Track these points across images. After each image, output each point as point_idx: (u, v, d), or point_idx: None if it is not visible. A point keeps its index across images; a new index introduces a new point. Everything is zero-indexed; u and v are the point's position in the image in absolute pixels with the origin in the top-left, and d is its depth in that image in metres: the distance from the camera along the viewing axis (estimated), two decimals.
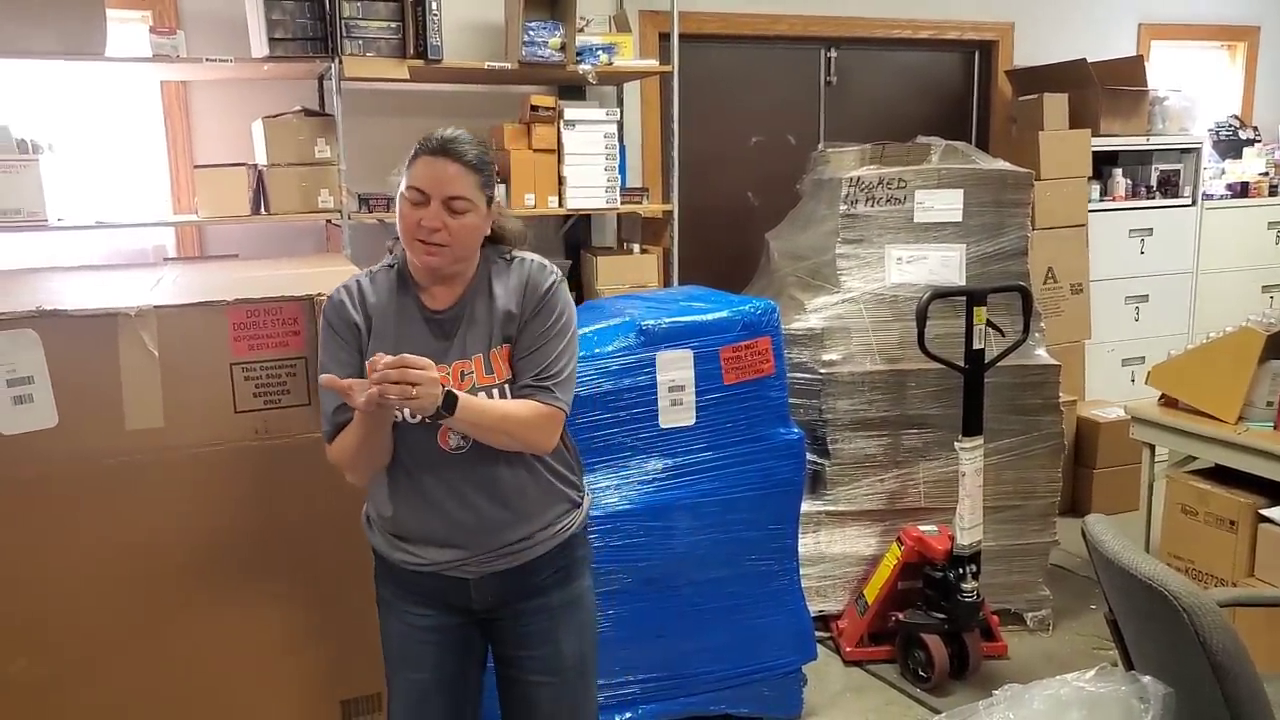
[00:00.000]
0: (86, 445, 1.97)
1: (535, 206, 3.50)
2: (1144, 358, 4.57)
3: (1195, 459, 3.07)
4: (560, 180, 3.52)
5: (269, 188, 3.21)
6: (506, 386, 1.71)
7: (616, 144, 3.59)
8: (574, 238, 4.01)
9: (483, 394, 1.68)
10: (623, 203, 3.63)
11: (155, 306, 2.01)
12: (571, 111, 3.51)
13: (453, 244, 1.65)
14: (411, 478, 1.73)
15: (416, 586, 1.77)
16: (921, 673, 2.90)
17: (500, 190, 3.45)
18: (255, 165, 3.27)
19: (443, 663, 1.79)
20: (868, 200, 3.14)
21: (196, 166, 3.27)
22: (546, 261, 1.78)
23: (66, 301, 2.01)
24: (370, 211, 3.33)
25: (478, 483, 1.71)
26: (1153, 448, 3.21)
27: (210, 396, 2.06)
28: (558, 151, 3.50)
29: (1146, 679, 1.53)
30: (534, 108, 3.45)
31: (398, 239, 1.75)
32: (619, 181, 3.61)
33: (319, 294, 2.12)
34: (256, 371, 2.09)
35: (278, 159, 3.19)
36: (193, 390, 2.04)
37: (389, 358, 1.54)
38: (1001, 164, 3.29)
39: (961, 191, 3.15)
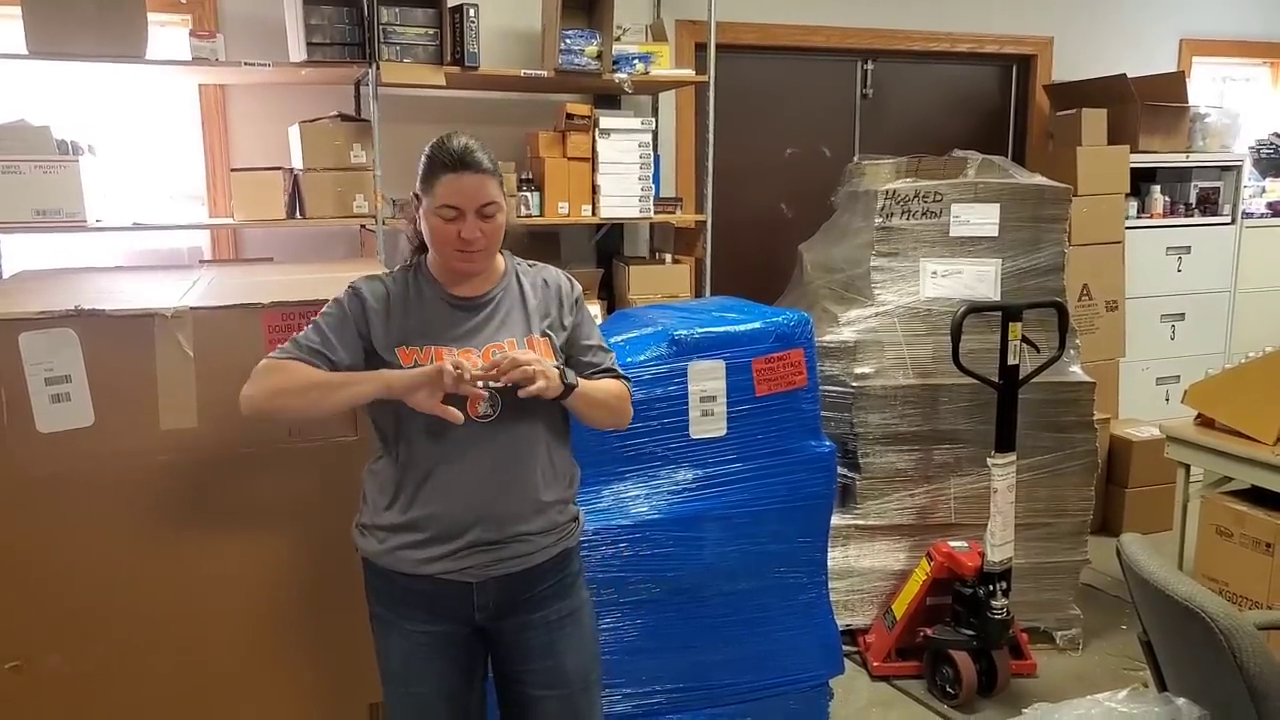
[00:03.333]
0: (122, 444, 2.00)
1: (569, 215, 3.51)
2: (1179, 377, 4.50)
3: (1231, 480, 3.02)
4: (594, 189, 3.53)
5: (304, 192, 3.25)
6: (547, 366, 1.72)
7: (651, 153, 3.59)
8: (606, 247, 4.02)
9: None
10: (656, 212, 3.63)
11: (191, 308, 2.04)
12: (607, 120, 3.52)
13: (489, 246, 1.73)
14: (430, 458, 1.71)
15: (416, 596, 1.75)
16: (949, 689, 2.86)
17: (534, 198, 3.48)
18: (291, 170, 3.31)
19: (445, 675, 1.79)
20: (903, 213, 3.12)
21: (233, 170, 3.31)
22: (551, 268, 1.92)
23: (104, 302, 2.04)
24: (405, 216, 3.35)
25: (499, 450, 1.72)
26: (1188, 468, 3.16)
27: None
28: (592, 160, 3.51)
29: (1181, 701, 1.50)
30: (569, 116, 3.47)
31: (418, 249, 1.82)
32: (653, 191, 3.61)
33: None
34: None
35: (314, 164, 3.23)
36: (226, 391, 2.04)
37: (484, 361, 1.66)
38: (1039, 179, 3.26)
39: (998, 206, 3.12)
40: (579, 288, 1.91)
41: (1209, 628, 1.49)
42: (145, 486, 2.03)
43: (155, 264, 3.27)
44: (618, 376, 1.88)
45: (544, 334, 1.79)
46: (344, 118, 3.34)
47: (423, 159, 1.74)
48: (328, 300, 2.11)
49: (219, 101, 3.46)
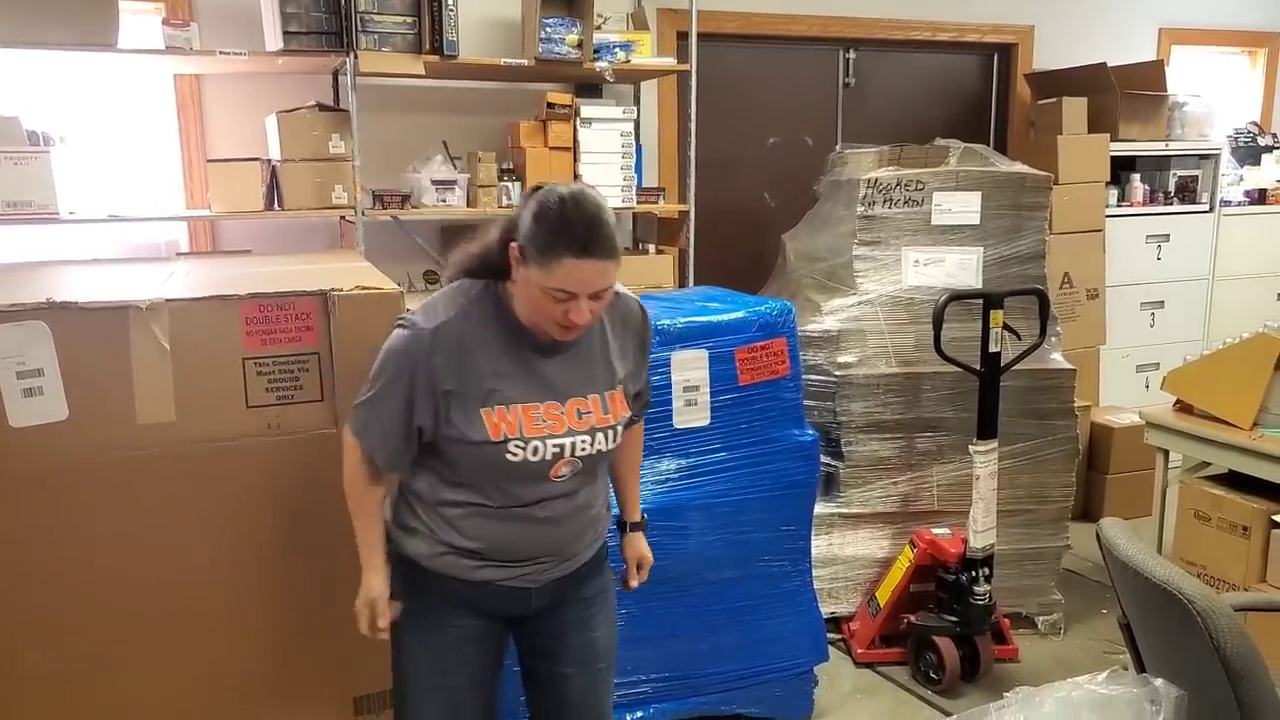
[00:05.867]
0: (97, 438, 1.97)
1: None
2: (1158, 364, 4.54)
3: (1209, 465, 3.05)
4: (576, 178, 3.51)
5: (282, 183, 3.22)
6: (620, 427, 1.72)
7: (633, 143, 3.58)
8: None
9: (600, 435, 1.69)
10: (639, 202, 3.62)
11: (167, 300, 2.00)
12: (588, 109, 3.51)
13: (594, 319, 1.60)
14: (506, 510, 1.68)
15: (464, 597, 1.74)
16: (933, 675, 2.88)
17: (515, 188, 3.46)
18: (269, 160, 3.28)
19: (479, 665, 1.78)
20: (885, 202, 3.12)
21: (209, 160, 3.27)
22: (629, 292, 1.81)
23: (77, 293, 2.01)
24: (384, 208, 3.33)
25: (571, 501, 1.73)
26: (1166, 453, 3.18)
27: (222, 391, 2.05)
28: (574, 150, 3.49)
29: (1158, 682, 1.51)
30: (550, 105, 3.45)
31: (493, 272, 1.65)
32: (635, 181, 3.60)
33: (332, 289, 2.12)
34: (269, 366, 2.09)
35: (292, 154, 3.20)
36: (204, 384, 2.04)
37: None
38: (1020, 167, 3.27)
39: (979, 194, 3.13)
40: (650, 325, 1.83)
41: (1187, 609, 1.50)
42: (123, 481, 2.00)
43: (131, 257, 3.24)
44: (642, 418, 1.94)
45: (620, 383, 1.73)
46: (322, 107, 3.30)
47: (537, 220, 1.51)
48: (305, 292, 2.11)
49: (194, 91, 3.43)
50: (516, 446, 1.62)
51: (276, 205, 3.26)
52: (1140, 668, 1.85)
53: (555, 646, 1.82)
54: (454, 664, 1.76)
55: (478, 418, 1.61)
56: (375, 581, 1.78)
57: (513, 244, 1.56)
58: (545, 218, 1.51)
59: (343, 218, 3.46)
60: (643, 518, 2.00)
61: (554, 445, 1.64)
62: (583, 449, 1.67)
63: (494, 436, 1.61)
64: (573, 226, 1.50)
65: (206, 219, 3.41)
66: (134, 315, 1.98)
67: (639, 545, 1.99)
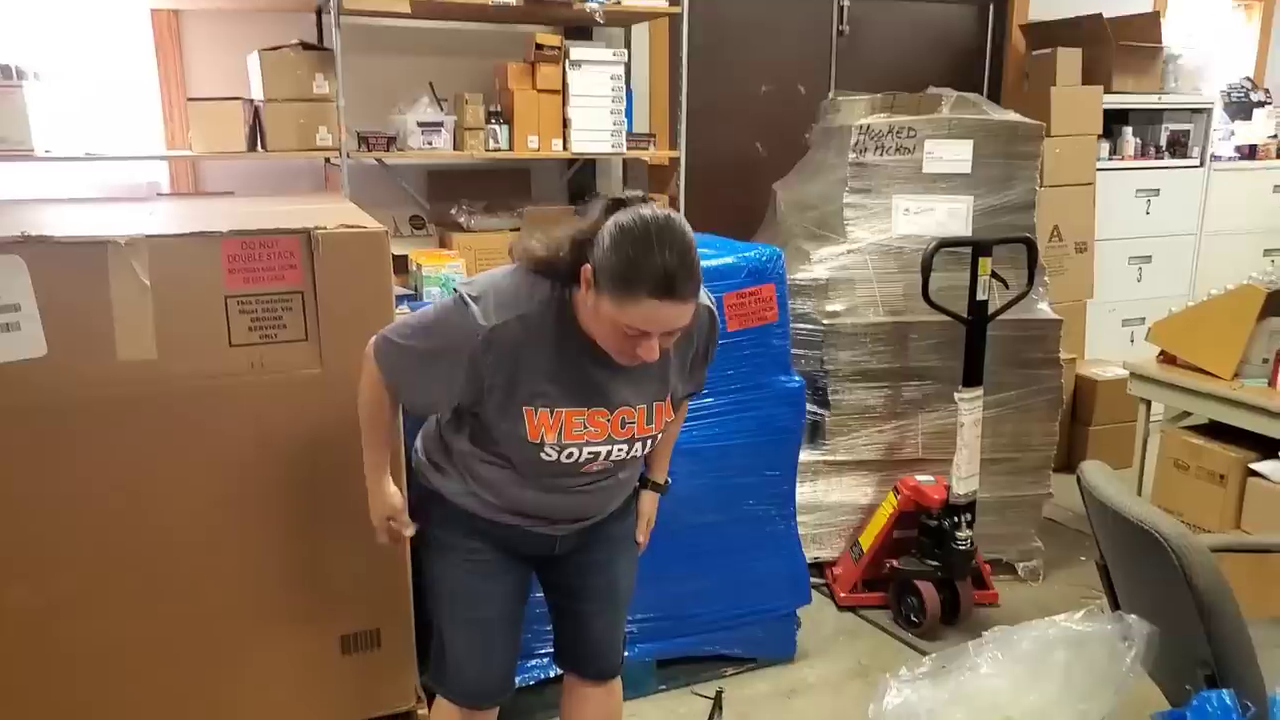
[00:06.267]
0: (77, 375, 1.96)
1: (539, 150, 3.45)
2: (1144, 318, 4.54)
3: (1190, 415, 3.08)
4: (565, 123, 3.47)
5: (266, 124, 3.17)
6: (659, 434, 1.70)
7: (623, 87, 3.53)
8: (579, 185, 3.97)
9: (639, 444, 1.67)
10: (629, 148, 3.58)
11: (147, 236, 1.98)
12: (577, 51, 3.45)
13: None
14: (539, 481, 1.67)
15: (491, 535, 1.74)
16: (914, 618, 2.92)
17: (503, 131, 3.42)
18: (251, 100, 3.22)
19: (507, 597, 1.80)
20: (877, 149, 3.10)
21: (190, 99, 3.21)
22: (705, 296, 1.66)
23: (55, 229, 1.99)
24: (370, 150, 3.29)
25: (607, 477, 1.73)
26: (1149, 404, 3.21)
27: (204, 329, 2.04)
28: (563, 93, 3.44)
29: (1131, 618, 1.54)
30: (539, 46, 3.39)
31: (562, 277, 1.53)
32: (625, 126, 3.56)
33: (316, 227, 2.10)
34: (252, 305, 2.08)
35: (275, 94, 3.14)
36: (186, 322, 2.02)
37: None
38: (1012, 115, 3.25)
39: (971, 142, 3.10)
40: (719, 328, 1.76)
41: (1162, 547, 1.52)
42: (105, 418, 2.00)
43: (110, 197, 3.19)
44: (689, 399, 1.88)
45: (671, 394, 1.69)
46: (305, 46, 3.24)
47: (617, 249, 1.39)
48: (288, 230, 2.09)
49: (173, 28, 3.35)
50: (552, 449, 1.60)
51: (259, 146, 3.21)
52: (1115, 607, 1.88)
53: (579, 585, 1.85)
54: (483, 596, 1.77)
55: (520, 414, 1.57)
56: (389, 493, 1.79)
57: (586, 265, 1.45)
58: (628, 250, 1.38)
59: (327, 160, 3.42)
60: (665, 482, 1.96)
61: (590, 451, 1.63)
62: (618, 455, 1.66)
63: (531, 438, 1.58)
64: (658, 266, 1.38)
65: (187, 159, 3.36)
66: (113, 251, 1.96)
67: (650, 505, 1.96)
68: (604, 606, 1.86)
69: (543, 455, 1.60)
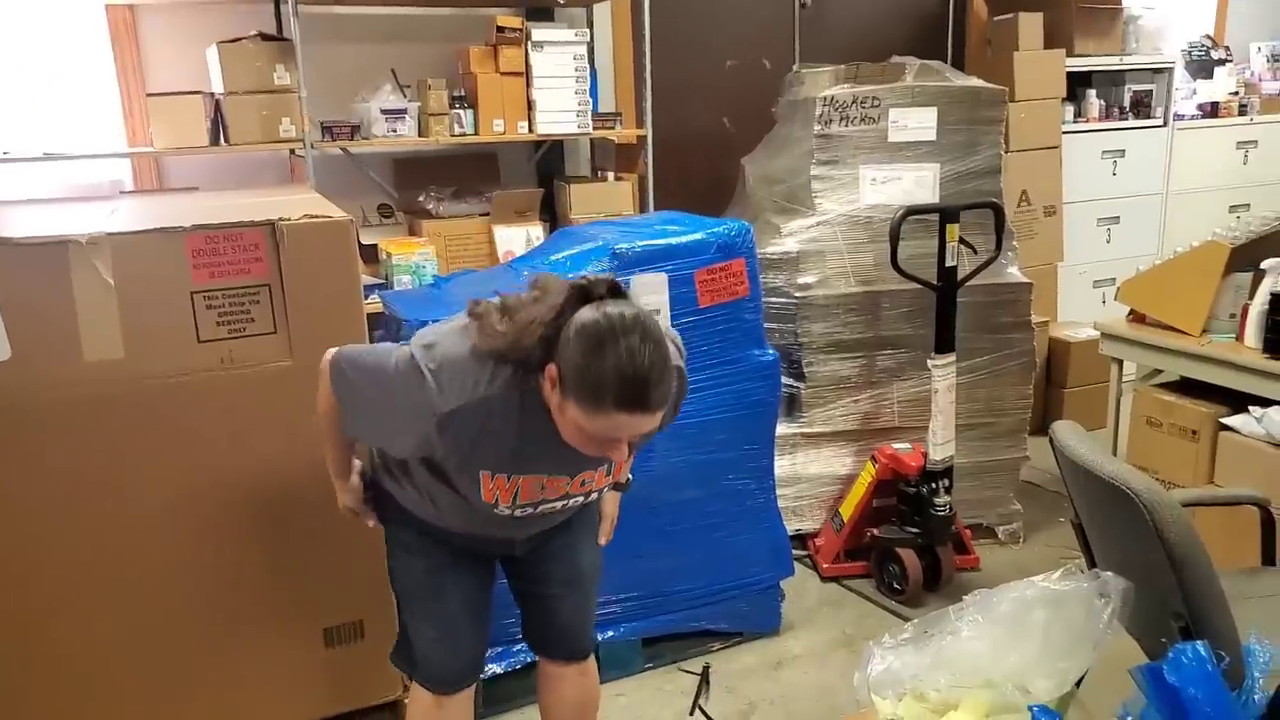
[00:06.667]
0: (44, 377, 1.94)
1: (504, 132, 3.43)
2: (1114, 279, 4.59)
3: (1161, 373, 3.11)
4: (529, 105, 3.44)
5: (227, 117, 3.12)
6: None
7: (587, 66, 3.50)
8: (547, 166, 3.95)
9: (595, 493, 1.68)
10: (595, 128, 3.56)
11: (109, 234, 1.96)
12: (539, 33, 3.42)
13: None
14: (498, 523, 1.64)
15: (449, 540, 1.74)
16: (896, 585, 2.95)
17: (468, 115, 3.39)
18: (212, 94, 3.17)
19: (469, 589, 1.79)
20: (842, 120, 3.10)
21: (149, 95, 3.16)
22: (675, 359, 1.50)
23: (14, 230, 1.96)
24: (334, 140, 3.25)
25: (568, 512, 1.74)
26: (1120, 363, 3.24)
27: (171, 326, 2.03)
28: (526, 75, 3.41)
29: (1107, 574, 1.56)
30: (500, 29, 3.36)
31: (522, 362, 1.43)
32: (590, 105, 3.53)
33: (280, 219, 2.08)
34: (219, 299, 2.06)
35: (235, 86, 3.09)
36: (153, 320, 2.01)
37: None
38: (975, 81, 3.25)
39: (935, 109, 3.11)
40: (686, 388, 1.66)
41: (1133, 503, 1.55)
42: (75, 419, 1.98)
43: (72, 196, 3.14)
44: None
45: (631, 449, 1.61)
46: (264, 37, 3.19)
47: (587, 359, 1.31)
48: (252, 223, 2.06)
49: (128, 22, 3.29)
50: (506, 508, 1.58)
51: (222, 140, 3.16)
52: (1091, 564, 1.91)
53: (543, 571, 1.85)
54: (444, 589, 1.77)
55: (476, 477, 1.52)
56: (350, 487, 1.82)
57: (551, 365, 1.36)
58: (594, 360, 1.31)
59: (292, 151, 3.38)
60: (628, 480, 1.92)
61: (545, 508, 1.62)
62: (575, 504, 1.68)
63: (485, 499, 1.55)
64: (627, 378, 1.30)
65: (149, 155, 3.31)
66: (74, 250, 1.93)
67: (613, 505, 1.95)
68: (569, 590, 1.86)
69: (495, 511, 1.59)
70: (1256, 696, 1.38)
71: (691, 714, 2.46)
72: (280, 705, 2.26)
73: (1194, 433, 2.87)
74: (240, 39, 3.15)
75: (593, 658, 1.95)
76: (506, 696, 2.45)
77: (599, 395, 1.32)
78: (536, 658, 1.96)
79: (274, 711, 2.26)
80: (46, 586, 2.01)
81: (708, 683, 2.57)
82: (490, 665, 2.41)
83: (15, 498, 1.97)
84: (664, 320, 2.52)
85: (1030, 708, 1.43)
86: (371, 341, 2.25)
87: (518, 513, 1.61)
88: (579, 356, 1.32)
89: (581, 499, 1.68)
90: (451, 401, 1.44)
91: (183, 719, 2.18)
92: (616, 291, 1.41)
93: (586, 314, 1.35)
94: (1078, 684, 1.65)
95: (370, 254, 3.36)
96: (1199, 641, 1.34)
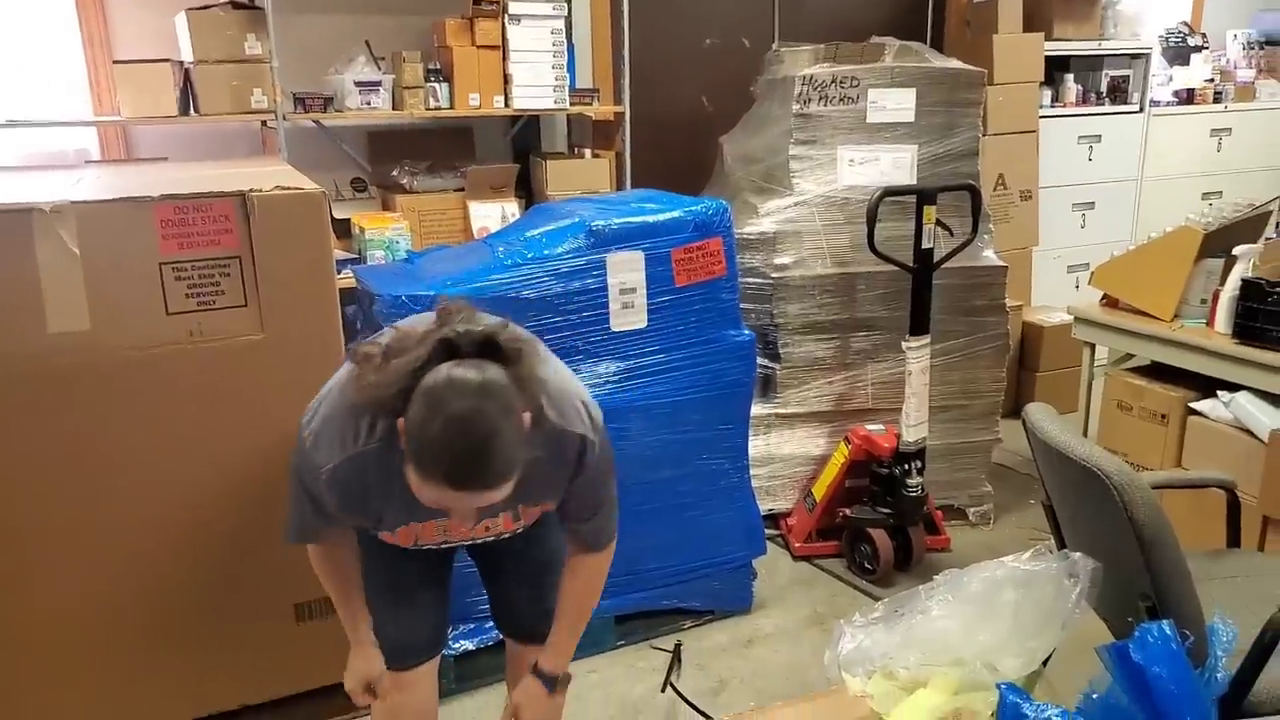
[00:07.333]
0: (7, 349, 1.90)
1: (480, 107, 3.39)
2: (1088, 264, 4.61)
3: (1133, 357, 3.14)
4: (506, 79, 3.40)
5: (197, 86, 3.06)
6: (528, 525, 1.65)
7: (564, 41, 3.46)
8: (523, 142, 3.91)
9: (505, 535, 1.65)
10: (572, 104, 3.53)
11: (74, 202, 1.92)
12: (516, 6, 3.37)
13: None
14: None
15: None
16: (868, 565, 2.97)
17: (443, 89, 3.34)
18: (181, 62, 3.11)
19: (424, 571, 1.75)
20: (821, 99, 3.08)
21: (115, 62, 3.09)
22: (573, 424, 1.47)
23: None
24: (307, 111, 3.20)
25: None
26: (1093, 347, 3.27)
27: (139, 297, 1.99)
28: (503, 48, 3.37)
29: (1077, 555, 1.57)
30: (477, 2, 3.32)
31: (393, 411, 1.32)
32: (568, 81, 3.50)
33: (251, 190, 2.04)
34: (188, 271, 2.03)
35: (205, 55, 3.03)
36: (120, 291, 1.97)
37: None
38: (954, 63, 3.25)
39: (914, 90, 3.11)
40: (589, 461, 1.52)
41: (1103, 484, 1.56)
42: (39, 392, 1.95)
43: (36, 165, 3.07)
44: (591, 545, 1.66)
45: (540, 503, 1.59)
46: (235, 5, 3.12)
47: (423, 426, 1.24)
48: (222, 194, 2.03)
49: None
50: (414, 547, 1.62)
51: (192, 110, 3.10)
52: (1061, 545, 1.93)
53: (495, 562, 1.83)
54: (399, 572, 1.74)
55: (390, 533, 1.58)
56: (366, 659, 1.70)
57: (400, 419, 1.28)
58: (425, 429, 1.23)
59: (264, 123, 3.32)
60: (561, 676, 1.70)
61: (449, 547, 1.66)
62: (500, 537, 1.66)
63: (405, 544, 1.61)
64: (454, 455, 1.23)
65: (116, 125, 3.25)
66: (38, 219, 1.89)
67: (535, 696, 1.67)
68: (522, 580, 1.84)
69: (420, 547, 1.62)
70: (1219, 675, 1.40)
71: (663, 690, 2.47)
72: (252, 680, 2.25)
73: (1163, 417, 2.90)
74: (210, 6, 3.09)
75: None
76: (478, 673, 2.44)
77: (424, 465, 1.25)
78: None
79: (245, 686, 2.25)
80: (14, 560, 1.98)
81: (679, 660, 2.58)
82: (462, 641, 2.41)
83: None
84: (637, 299, 2.50)
85: (999, 685, 1.45)
86: (344, 319, 2.22)
87: (442, 545, 1.64)
88: (417, 420, 1.25)
89: (510, 534, 1.64)
90: (328, 458, 1.41)
91: (154, 691, 2.17)
92: (488, 347, 1.29)
93: (438, 374, 1.26)
94: (1045, 663, 1.67)
95: (343, 229, 3.31)
96: (1165, 621, 1.36)
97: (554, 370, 1.50)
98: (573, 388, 1.53)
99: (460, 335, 1.29)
